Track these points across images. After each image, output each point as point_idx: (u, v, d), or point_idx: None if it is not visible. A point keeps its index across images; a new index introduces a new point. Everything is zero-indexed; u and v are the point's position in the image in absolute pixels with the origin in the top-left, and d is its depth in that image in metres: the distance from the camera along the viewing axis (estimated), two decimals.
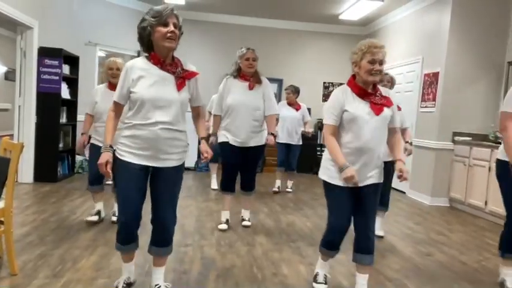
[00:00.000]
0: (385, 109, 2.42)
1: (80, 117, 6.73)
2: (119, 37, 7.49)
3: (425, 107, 6.21)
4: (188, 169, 7.32)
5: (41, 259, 2.94)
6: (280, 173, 6.25)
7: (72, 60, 6.41)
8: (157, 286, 2.44)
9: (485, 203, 5.07)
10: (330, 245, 2.62)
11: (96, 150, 3.90)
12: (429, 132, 6.07)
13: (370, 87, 2.44)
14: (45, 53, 5.71)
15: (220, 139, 3.92)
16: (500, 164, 2.94)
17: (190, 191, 5.77)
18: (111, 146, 2.26)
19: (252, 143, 3.87)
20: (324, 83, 8.82)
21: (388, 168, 3.87)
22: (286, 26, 8.55)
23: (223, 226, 4.00)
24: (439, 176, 5.88)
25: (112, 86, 3.82)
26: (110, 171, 2.21)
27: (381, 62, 2.38)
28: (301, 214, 4.82)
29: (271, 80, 7.67)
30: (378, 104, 2.41)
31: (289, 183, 6.28)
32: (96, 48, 7.26)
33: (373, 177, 2.47)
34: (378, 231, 3.93)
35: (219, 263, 3.09)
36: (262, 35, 8.39)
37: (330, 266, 2.85)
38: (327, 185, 2.53)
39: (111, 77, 3.87)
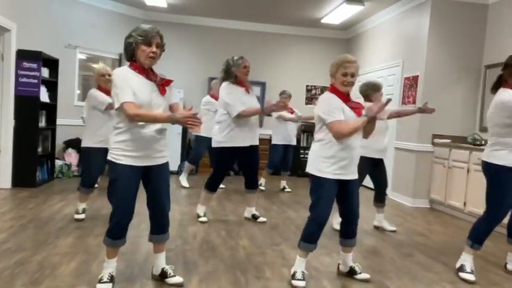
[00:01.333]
0: (363, 111, 2.79)
1: (60, 120, 6.65)
2: (100, 40, 7.40)
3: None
4: (171, 173, 7.25)
5: (19, 266, 2.87)
6: (267, 173, 6.47)
7: (52, 63, 6.30)
8: (165, 268, 2.75)
9: (464, 204, 5.17)
10: (311, 237, 2.85)
11: (95, 154, 4.07)
12: (410, 134, 6.17)
13: (345, 94, 2.81)
14: (23, 55, 5.60)
15: (226, 144, 4.14)
16: (489, 166, 3.13)
17: (172, 194, 5.70)
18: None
19: (255, 142, 4.27)
20: (307, 86, 8.88)
21: (383, 166, 4.24)
22: (268, 30, 8.58)
23: (205, 219, 4.39)
24: (419, 178, 5.98)
25: (105, 91, 4.03)
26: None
27: (353, 75, 2.74)
28: (285, 217, 4.83)
29: (254, 83, 7.72)
30: (356, 108, 2.79)
31: (284, 183, 6.60)
32: (76, 51, 7.16)
33: (355, 172, 2.84)
34: (389, 227, 4.49)
35: (201, 267, 3.07)
36: (245, 38, 8.41)
37: (306, 262, 2.94)
38: (316, 179, 2.79)
39: (103, 82, 4.09)
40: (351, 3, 6.66)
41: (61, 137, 6.80)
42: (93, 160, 4.10)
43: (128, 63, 2.55)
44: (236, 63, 4.16)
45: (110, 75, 4.01)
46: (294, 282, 2.80)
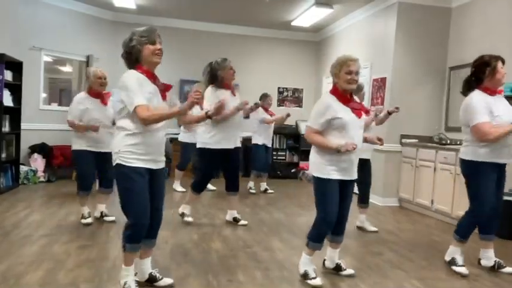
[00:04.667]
0: (363, 113, 2.91)
1: (24, 125, 6.43)
2: (66, 41, 7.21)
3: (375, 110, 6.42)
4: None
5: None
6: (255, 176, 6.62)
7: (15, 66, 6.09)
8: (152, 273, 2.76)
9: (432, 202, 5.31)
10: (320, 237, 2.94)
11: (86, 156, 4.08)
12: (379, 134, 6.21)
13: (348, 95, 2.87)
14: None
15: (213, 146, 4.17)
16: (468, 163, 3.28)
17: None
18: None
19: (238, 144, 4.33)
20: (279, 88, 8.93)
21: (369, 166, 4.35)
22: (239, 32, 8.58)
23: (190, 218, 4.45)
24: (389, 177, 6.10)
25: (95, 94, 4.10)
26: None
27: (357, 73, 2.81)
28: (258, 219, 4.83)
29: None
30: (357, 109, 2.87)
31: (265, 185, 6.68)
32: (41, 53, 6.94)
33: (355, 173, 2.94)
34: (371, 227, 4.53)
35: (173, 272, 3.02)
36: (215, 40, 8.37)
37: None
38: (321, 181, 2.88)
39: (99, 85, 4.09)
40: (320, 6, 6.75)
41: (26, 142, 6.58)
42: (85, 163, 4.11)
43: (132, 68, 2.54)
44: (222, 65, 4.16)
45: (105, 78, 4.09)
46: (311, 282, 2.89)
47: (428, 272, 3.32)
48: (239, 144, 4.37)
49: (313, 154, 2.96)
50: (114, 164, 2.51)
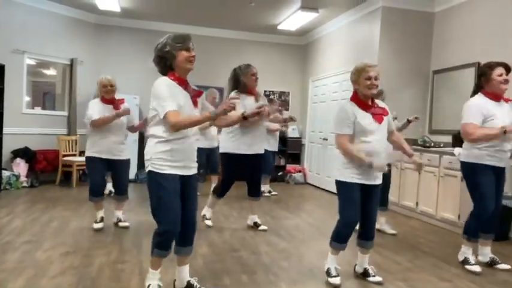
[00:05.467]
0: (384, 118, 2.93)
1: (7, 129, 6.32)
2: (50, 44, 7.12)
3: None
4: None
5: None
6: (267, 179, 6.82)
7: None
8: (190, 281, 2.74)
9: (417, 204, 5.37)
10: (342, 238, 3.01)
11: (96, 163, 4.12)
12: None
13: (369, 101, 2.91)
14: None
15: (232, 151, 4.18)
16: (465, 165, 3.45)
17: (129, 204, 5.55)
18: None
19: (261, 150, 4.31)
20: (265, 91, 8.93)
21: (388, 170, 4.30)
22: (225, 35, 8.57)
23: (210, 222, 4.51)
24: None
25: (107, 101, 4.15)
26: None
27: (376, 78, 2.86)
28: (244, 223, 4.81)
29: (207, 88, 7.66)
30: (378, 114, 2.91)
31: (268, 187, 6.83)
32: (24, 56, 6.83)
33: (378, 178, 2.97)
34: (390, 230, 4.55)
35: None
36: (201, 43, 8.33)
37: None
38: (343, 184, 2.95)
39: (105, 93, 4.13)
40: (305, 10, 6.79)
41: (8, 147, 6.47)
42: (94, 169, 4.16)
43: (164, 74, 2.57)
44: (244, 71, 4.22)
45: (112, 85, 4.13)
46: (331, 280, 3.00)
47: (413, 273, 3.34)
48: (262, 151, 4.32)
49: (340, 157, 2.99)
50: (146, 170, 2.53)
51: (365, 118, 2.87)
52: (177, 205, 2.50)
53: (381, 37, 6.09)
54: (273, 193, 6.84)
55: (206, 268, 3.25)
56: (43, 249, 3.53)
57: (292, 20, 7.39)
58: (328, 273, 3.06)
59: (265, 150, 6.34)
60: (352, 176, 2.91)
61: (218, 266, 3.31)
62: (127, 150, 4.32)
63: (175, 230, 2.52)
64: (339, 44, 7.37)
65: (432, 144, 5.57)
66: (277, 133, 6.90)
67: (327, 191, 7.49)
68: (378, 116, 2.90)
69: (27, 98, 7.13)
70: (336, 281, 2.99)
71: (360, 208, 2.94)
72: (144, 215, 4.95)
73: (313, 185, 8.18)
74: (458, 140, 5.14)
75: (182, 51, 2.49)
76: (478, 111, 3.28)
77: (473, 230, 3.46)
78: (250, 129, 4.16)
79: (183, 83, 2.54)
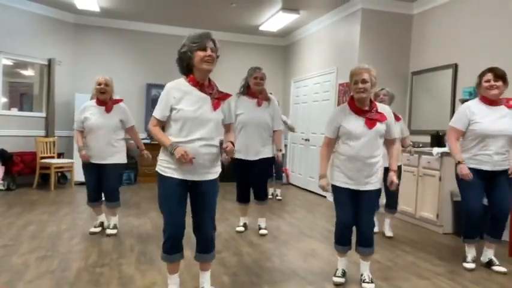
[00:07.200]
0: (378, 124, 2.87)
1: None
2: (27, 44, 6.97)
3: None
4: None
5: None
6: (278, 183, 6.70)
7: None
8: None
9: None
10: (339, 240, 3.04)
11: (89, 167, 4.01)
12: None
13: (365, 104, 2.89)
14: None
15: (236, 155, 4.05)
16: (455, 168, 3.54)
17: None
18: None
19: (261, 156, 4.19)
20: None
21: (398, 172, 4.35)
22: None
23: (241, 228, 4.47)
24: None
25: (100, 102, 3.99)
26: (190, 157, 2.37)
27: (363, 81, 2.82)
28: (227, 224, 4.79)
29: None
30: (372, 119, 2.86)
31: (278, 191, 6.73)
32: (0, 56, 6.66)
33: (370, 183, 2.91)
34: (388, 232, 4.50)
35: (138, 281, 2.95)
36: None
37: (346, 263, 3.16)
38: (333, 186, 2.99)
39: (99, 92, 3.97)
40: (286, 11, 6.82)
41: None
42: (86, 174, 4.08)
43: (183, 75, 2.55)
44: (249, 73, 4.25)
45: (107, 85, 3.96)
46: (333, 278, 3.07)
47: (393, 272, 3.38)
48: (263, 156, 4.20)
49: (330, 160, 3.07)
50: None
51: (355, 122, 2.87)
52: (178, 208, 2.47)
53: (361, 38, 6.15)
54: (279, 197, 6.66)
55: (187, 271, 3.21)
56: (19, 253, 3.44)
57: (274, 21, 7.41)
58: (335, 273, 3.13)
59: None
60: (340, 181, 2.95)
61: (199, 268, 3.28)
62: (119, 154, 4.07)
63: (175, 233, 2.50)
64: (320, 45, 7.42)
65: (411, 144, 5.64)
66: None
67: (309, 191, 7.52)
68: (370, 122, 2.86)
69: (3, 99, 6.96)
70: (337, 280, 3.04)
71: (351, 210, 2.95)
72: (124, 217, 4.88)
73: (295, 186, 8.21)
74: (436, 140, 5.25)
75: (198, 51, 2.43)
76: (463, 114, 3.46)
77: (464, 231, 3.55)
78: (241, 135, 4.16)
79: (198, 84, 2.47)
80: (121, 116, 4.06)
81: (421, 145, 5.59)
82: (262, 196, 4.39)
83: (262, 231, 4.41)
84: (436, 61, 5.77)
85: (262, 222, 4.50)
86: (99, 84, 3.96)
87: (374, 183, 2.93)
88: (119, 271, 3.14)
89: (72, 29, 7.72)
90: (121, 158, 4.10)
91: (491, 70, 3.41)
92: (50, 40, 7.35)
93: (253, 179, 4.33)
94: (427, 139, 5.57)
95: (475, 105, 3.47)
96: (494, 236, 3.51)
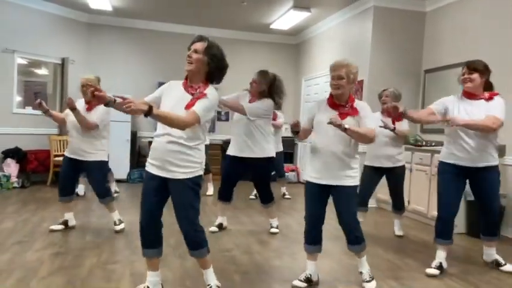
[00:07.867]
0: (349, 117, 2.86)
1: None
2: (41, 44, 7.07)
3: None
4: (120, 181, 7.04)
5: None
6: (284, 181, 6.69)
7: None
8: (209, 286, 2.70)
9: (408, 202, 5.39)
10: (306, 237, 3.00)
11: (64, 162, 4.11)
12: None
13: (342, 100, 2.89)
14: None
15: (228, 151, 4.26)
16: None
17: (122, 204, 5.53)
18: (121, 98, 2.29)
19: (260, 155, 4.12)
20: None
21: (400, 172, 4.42)
22: (218, 34, 8.51)
23: (214, 229, 4.33)
24: None
25: (86, 103, 4.04)
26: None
27: (338, 77, 2.85)
28: (236, 222, 4.81)
29: None
30: (344, 113, 2.87)
31: (284, 189, 6.62)
32: (15, 55, 6.77)
33: (341, 179, 2.85)
34: (398, 232, 4.54)
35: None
36: None
37: (315, 269, 3.02)
38: (306, 182, 3.01)
39: (83, 93, 4.02)
40: (298, 9, 6.80)
41: None
42: (62, 168, 4.14)
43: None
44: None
45: (84, 85, 3.94)
46: (293, 282, 2.96)
47: (404, 272, 3.36)
48: (261, 155, 4.12)
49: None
50: None
51: (325, 114, 2.86)
52: (149, 203, 2.54)
53: (373, 36, 6.11)
54: (287, 196, 6.58)
55: (197, 268, 3.22)
56: (33, 250, 3.50)
57: (285, 19, 7.39)
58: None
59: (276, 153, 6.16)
60: (309, 175, 2.97)
61: None
62: (101, 152, 4.09)
63: (145, 227, 2.58)
64: (332, 43, 7.38)
65: (424, 143, 5.59)
66: (280, 131, 6.56)
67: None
68: (342, 115, 2.86)
69: (18, 98, 7.07)
70: (296, 283, 2.94)
71: (319, 203, 2.92)
72: (136, 215, 4.92)
73: None
74: None
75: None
76: (442, 102, 3.43)
77: (436, 230, 3.42)
78: (234, 130, 4.24)
79: (184, 84, 2.59)
80: (98, 115, 3.99)
81: (433, 144, 5.53)
82: (265, 198, 4.36)
83: (273, 230, 4.41)
84: (449, 59, 5.69)
85: (273, 221, 4.51)
86: (82, 85, 3.98)
87: (347, 179, 2.85)
88: (131, 268, 3.18)
89: (86, 28, 7.81)
90: (102, 156, 4.10)
91: (466, 63, 3.37)
92: (64, 39, 7.44)
93: (255, 179, 4.37)
94: (440, 138, 5.50)
95: (453, 98, 3.41)
96: (489, 235, 3.46)
